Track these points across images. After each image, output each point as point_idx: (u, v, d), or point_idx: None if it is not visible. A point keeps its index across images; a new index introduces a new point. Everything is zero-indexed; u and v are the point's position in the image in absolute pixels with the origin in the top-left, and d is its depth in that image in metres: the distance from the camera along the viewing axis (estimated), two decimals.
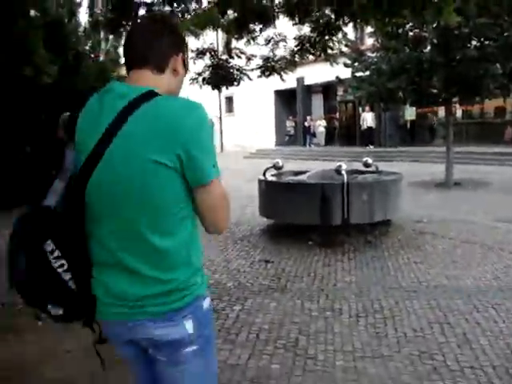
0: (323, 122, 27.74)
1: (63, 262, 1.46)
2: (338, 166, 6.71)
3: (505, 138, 20.12)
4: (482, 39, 11.85)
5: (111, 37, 28.49)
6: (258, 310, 4.52)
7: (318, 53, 7.39)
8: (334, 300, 4.69)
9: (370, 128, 23.58)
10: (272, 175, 7.85)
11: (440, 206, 9.76)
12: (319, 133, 27.58)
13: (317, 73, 25.11)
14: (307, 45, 7.33)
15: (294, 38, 7.54)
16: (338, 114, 27.81)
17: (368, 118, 23.50)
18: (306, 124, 27.61)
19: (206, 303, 1.62)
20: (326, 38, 7.08)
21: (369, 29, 14.40)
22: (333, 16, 6.36)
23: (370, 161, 7.80)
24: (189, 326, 1.56)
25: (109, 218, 1.50)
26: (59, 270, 1.46)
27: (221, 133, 35.26)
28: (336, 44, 7.33)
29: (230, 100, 34.59)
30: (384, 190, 6.93)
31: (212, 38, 8.17)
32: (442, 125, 19.55)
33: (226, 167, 20.83)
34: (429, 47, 11.91)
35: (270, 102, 30.42)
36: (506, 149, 17.88)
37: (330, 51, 7.38)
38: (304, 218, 6.71)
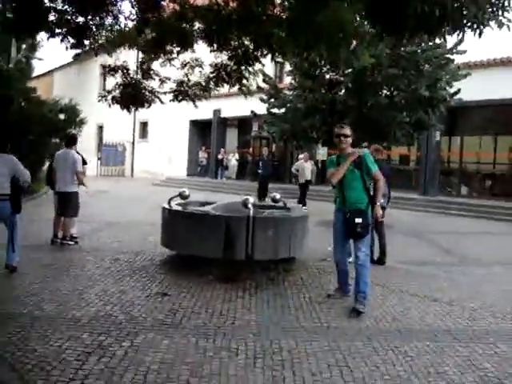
0: (236, 156, 27.84)
1: None
2: (244, 199, 6.52)
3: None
4: (392, 89, 12.42)
5: (24, 46, 27.02)
6: (149, 347, 4.14)
7: (233, 82, 7.24)
8: (231, 339, 4.41)
9: (307, 182, 16.56)
10: (177, 204, 7.53)
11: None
12: (231, 166, 27.61)
13: (234, 106, 25.30)
14: (223, 73, 7.16)
15: (210, 65, 7.34)
16: (251, 149, 28.03)
17: (307, 170, 16.55)
18: (220, 156, 27.56)
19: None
20: (243, 68, 6.97)
21: (287, 67, 14.75)
22: (251, 46, 6.27)
23: (277, 196, 7.69)
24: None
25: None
26: None
27: (132, 158, 34.39)
28: (252, 76, 7.23)
29: (144, 125, 33.94)
30: (290, 226, 6.80)
31: (125, 55, 7.80)
32: None
33: (133, 193, 20.25)
34: (343, 90, 12.28)
35: (184, 131, 30.15)
36: (407, 194, 18.73)
37: (245, 82, 7.25)
38: (206, 250, 6.41)
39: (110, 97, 7.77)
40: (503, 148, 19.75)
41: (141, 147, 33.84)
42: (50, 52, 44.88)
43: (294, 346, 4.31)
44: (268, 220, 6.73)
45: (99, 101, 7.80)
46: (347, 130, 5.62)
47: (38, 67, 34.18)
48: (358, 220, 5.41)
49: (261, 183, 18.01)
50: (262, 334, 4.57)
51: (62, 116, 17.82)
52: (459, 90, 12.72)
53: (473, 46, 13.54)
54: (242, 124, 28.61)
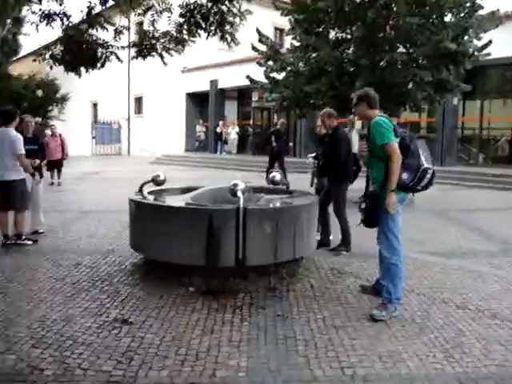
0: (236, 129, 26.05)
1: None
2: (232, 184, 4.88)
3: None
4: (409, 45, 10.63)
5: (8, 21, 25.06)
6: None
7: (213, 29, 5.49)
8: None
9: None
10: (150, 192, 5.91)
11: (362, 230, 8.22)
12: (231, 140, 25.86)
13: (232, 76, 23.49)
14: (198, 16, 5.40)
15: (180, 6, 5.53)
16: (251, 121, 26.25)
17: (354, 141, 11.53)
18: (218, 130, 25.79)
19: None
20: (224, 8, 5.24)
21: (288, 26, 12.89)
22: None
23: (278, 177, 6.03)
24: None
25: None
26: None
27: (128, 135, 32.70)
28: (237, 19, 5.47)
29: (139, 100, 32.16)
30: (294, 218, 5.16)
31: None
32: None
33: (125, 174, 18.60)
34: (352, 48, 10.49)
35: (181, 106, 28.34)
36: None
37: (228, 28, 5.50)
38: (184, 256, 4.79)
39: (47, 55, 6.00)
40: None
41: (136, 124, 32.12)
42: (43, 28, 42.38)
43: None
44: (265, 211, 5.10)
45: (34, 60, 6.05)
46: (353, 96, 4.63)
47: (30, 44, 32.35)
48: (363, 205, 4.46)
49: (274, 158, 15.44)
50: None
51: (39, 92, 16.13)
52: (490, 42, 10.84)
53: None
54: (242, 95, 26.79)
